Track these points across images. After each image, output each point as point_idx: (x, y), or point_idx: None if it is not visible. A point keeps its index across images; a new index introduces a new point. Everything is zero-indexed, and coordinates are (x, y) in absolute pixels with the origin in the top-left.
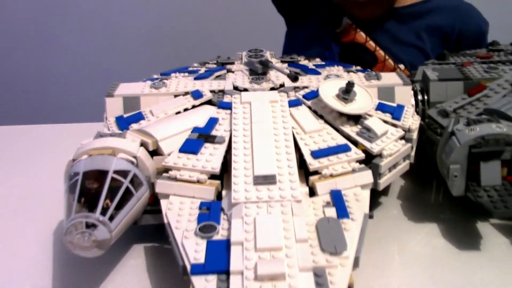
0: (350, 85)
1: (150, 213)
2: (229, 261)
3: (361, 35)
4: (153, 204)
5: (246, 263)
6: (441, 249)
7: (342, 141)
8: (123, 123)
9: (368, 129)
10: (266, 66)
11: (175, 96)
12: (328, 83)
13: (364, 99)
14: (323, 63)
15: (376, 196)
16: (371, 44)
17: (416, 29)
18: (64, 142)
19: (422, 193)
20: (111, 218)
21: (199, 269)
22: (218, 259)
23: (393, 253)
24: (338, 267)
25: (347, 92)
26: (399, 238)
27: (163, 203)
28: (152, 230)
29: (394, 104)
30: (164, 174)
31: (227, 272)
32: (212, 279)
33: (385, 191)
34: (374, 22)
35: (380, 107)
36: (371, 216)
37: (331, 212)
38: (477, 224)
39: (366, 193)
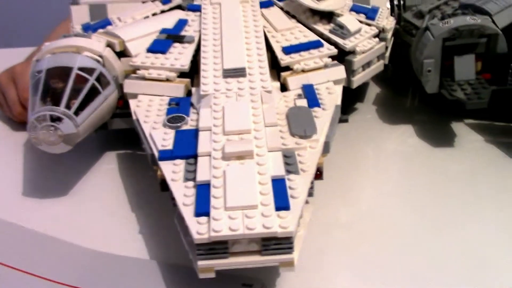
0: None
1: (120, 116)
2: (197, 146)
3: None
4: (123, 108)
5: (214, 145)
6: (415, 146)
7: (315, 38)
8: (89, 29)
9: (341, 26)
10: None
11: (144, 2)
12: None
13: None
14: None
15: (352, 102)
16: None
17: None
18: None
19: (398, 98)
20: (77, 114)
21: (167, 154)
22: (187, 145)
23: (368, 152)
24: (308, 149)
25: None
26: (374, 139)
27: (132, 102)
28: (124, 137)
29: (369, 6)
30: (132, 75)
31: (195, 157)
32: (180, 163)
33: (361, 97)
34: None
35: (355, 8)
36: (346, 120)
37: (303, 102)
38: (452, 124)
39: (339, 88)
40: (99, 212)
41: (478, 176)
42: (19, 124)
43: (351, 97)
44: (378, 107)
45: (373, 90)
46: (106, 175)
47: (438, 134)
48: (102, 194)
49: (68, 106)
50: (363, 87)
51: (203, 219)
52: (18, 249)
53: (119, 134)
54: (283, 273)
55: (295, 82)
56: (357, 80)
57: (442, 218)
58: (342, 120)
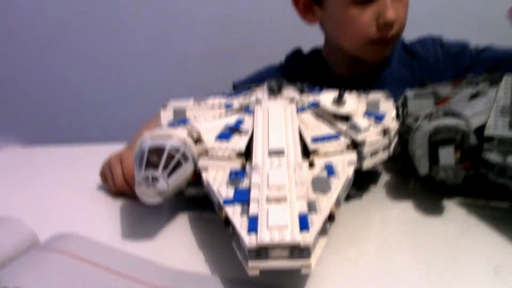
0: (341, 92)
1: (193, 185)
2: (249, 195)
3: None
4: (196, 180)
5: (261, 194)
6: (414, 215)
7: (335, 132)
8: (173, 125)
9: (355, 125)
10: (280, 85)
11: (212, 108)
12: (327, 94)
13: (353, 104)
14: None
15: (365, 184)
16: None
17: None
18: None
19: (403, 184)
20: (168, 178)
21: (229, 201)
22: (242, 196)
23: (374, 217)
24: (324, 200)
25: (339, 98)
26: (380, 207)
27: (204, 173)
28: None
29: (378, 112)
30: (204, 156)
31: (248, 202)
32: (238, 205)
33: (374, 182)
34: (368, 78)
35: (367, 114)
36: (360, 196)
37: (323, 174)
38: (444, 199)
39: (351, 168)
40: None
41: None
42: (115, 194)
43: (367, 182)
44: (387, 189)
45: (385, 178)
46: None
47: (432, 207)
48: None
49: (162, 171)
50: (376, 175)
51: (253, 233)
52: None
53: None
54: None
55: (319, 161)
56: (366, 163)
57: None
58: (357, 196)
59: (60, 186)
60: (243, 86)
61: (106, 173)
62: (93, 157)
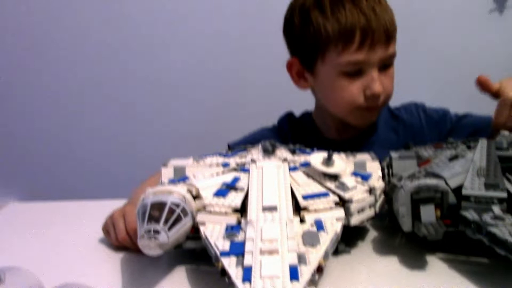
0: (330, 154)
1: (191, 239)
2: (244, 248)
3: None
4: (194, 234)
5: (255, 247)
6: (399, 268)
7: (324, 190)
8: (175, 182)
9: (343, 184)
10: (274, 146)
11: (210, 166)
12: (317, 154)
13: (341, 165)
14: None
15: (354, 240)
16: None
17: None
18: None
19: (389, 240)
20: (168, 231)
21: (225, 254)
22: (237, 248)
23: (361, 270)
24: (313, 253)
25: (328, 159)
26: (367, 262)
27: (202, 227)
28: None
29: (365, 172)
30: (203, 211)
31: (242, 255)
32: (234, 257)
33: (362, 238)
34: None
35: (355, 174)
36: (349, 251)
37: (313, 229)
38: (427, 255)
39: (339, 224)
40: None
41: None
42: (117, 247)
43: (355, 238)
44: (375, 244)
45: (372, 234)
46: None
47: (416, 262)
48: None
49: (163, 225)
50: (364, 231)
51: (247, 283)
52: None
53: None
54: None
55: (309, 218)
56: (354, 220)
57: None
58: (346, 251)
59: (63, 240)
60: (238, 146)
61: (109, 228)
62: (93, 212)
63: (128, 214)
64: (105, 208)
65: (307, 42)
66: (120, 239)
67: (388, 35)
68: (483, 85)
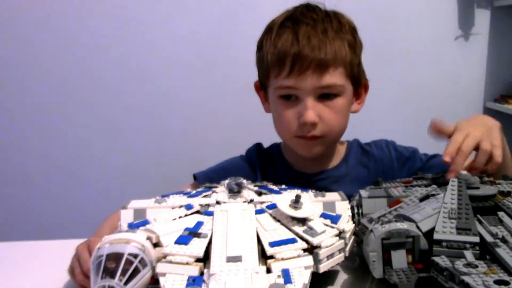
0: (298, 196)
1: None
2: None
3: None
4: (153, 286)
5: None
6: None
7: (292, 236)
8: (134, 227)
9: (311, 228)
10: (240, 186)
11: (173, 208)
12: (284, 196)
13: (309, 208)
14: (286, 187)
15: (324, 285)
16: None
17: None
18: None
19: (361, 283)
20: (125, 285)
21: None
22: None
23: None
24: None
25: (296, 202)
26: None
27: (162, 279)
28: None
29: (334, 214)
30: (163, 259)
31: None
32: None
33: (332, 280)
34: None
35: (323, 215)
36: None
37: (280, 281)
38: None
39: (308, 272)
40: None
41: None
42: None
43: (324, 281)
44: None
45: (342, 277)
46: None
47: None
48: None
49: (119, 280)
50: (334, 274)
51: None
52: None
53: None
54: None
55: (276, 267)
56: (323, 267)
57: None
58: None
59: (27, 280)
60: (204, 183)
61: (73, 263)
62: (57, 252)
63: (93, 245)
64: (67, 247)
65: (259, 65)
66: (85, 271)
67: (322, 64)
68: (438, 131)
